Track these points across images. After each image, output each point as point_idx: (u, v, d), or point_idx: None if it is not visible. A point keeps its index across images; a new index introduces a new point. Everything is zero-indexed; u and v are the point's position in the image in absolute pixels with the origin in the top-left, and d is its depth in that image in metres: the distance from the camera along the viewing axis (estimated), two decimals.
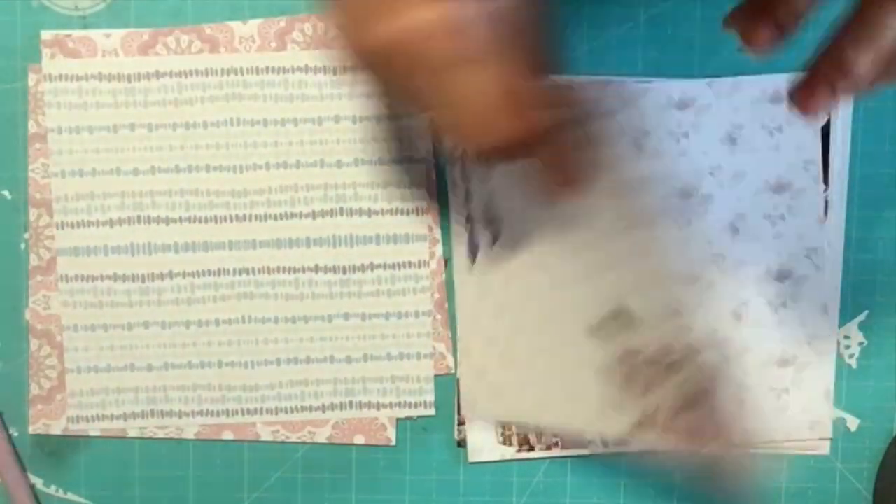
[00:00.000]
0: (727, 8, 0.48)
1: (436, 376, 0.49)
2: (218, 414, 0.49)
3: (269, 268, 0.48)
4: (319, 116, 0.48)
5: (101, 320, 0.48)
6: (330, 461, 0.49)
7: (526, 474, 0.50)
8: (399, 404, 0.49)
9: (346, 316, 0.48)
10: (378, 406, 0.49)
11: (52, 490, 0.50)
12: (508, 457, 0.49)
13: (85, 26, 0.47)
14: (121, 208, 0.48)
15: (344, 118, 0.48)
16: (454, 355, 0.49)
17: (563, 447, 0.49)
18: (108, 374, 0.48)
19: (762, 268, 0.49)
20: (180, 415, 0.49)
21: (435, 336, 0.49)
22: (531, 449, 0.49)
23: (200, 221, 0.48)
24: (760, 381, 0.49)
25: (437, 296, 0.49)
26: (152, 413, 0.49)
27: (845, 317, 0.50)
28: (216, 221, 0.48)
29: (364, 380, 0.49)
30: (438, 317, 0.49)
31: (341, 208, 0.48)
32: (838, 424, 0.50)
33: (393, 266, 0.48)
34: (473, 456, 0.49)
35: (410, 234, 0.48)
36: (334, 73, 0.47)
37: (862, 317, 0.50)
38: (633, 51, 0.48)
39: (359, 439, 0.49)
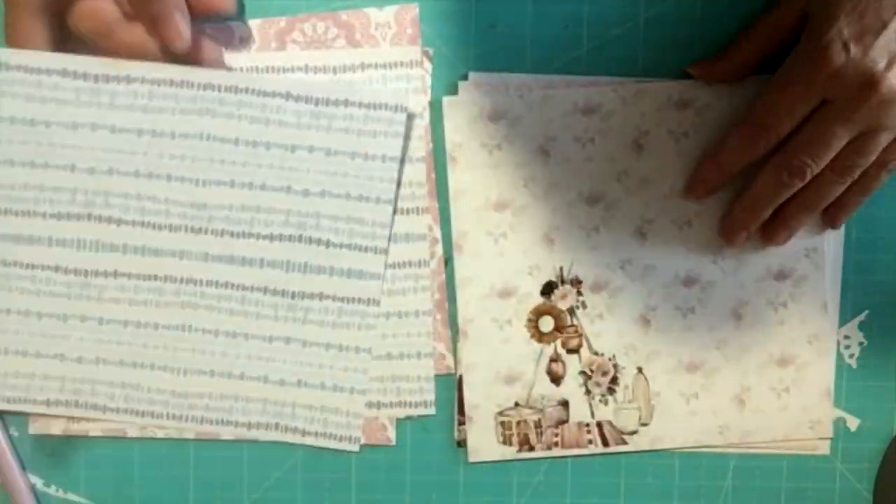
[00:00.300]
0: (727, 8, 0.48)
1: (436, 376, 0.49)
2: (143, 414, 0.48)
3: (217, 282, 0.48)
4: (293, 144, 0.47)
5: (37, 308, 0.48)
6: (330, 461, 0.49)
7: (526, 474, 0.50)
8: (325, 435, 0.49)
9: (287, 340, 0.48)
10: (304, 433, 0.49)
11: (52, 490, 0.50)
12: (509, 457, 0.49)
13: None
14: (70, 203, 0.47)
15: (318, 149, 0.47)
16: (454, 355, 0.49)
17: (564, 447, 0.49)
18: (36, 360, 0.48)
19: (762, 267, 0.49)
20: (104, 409, 0.48)
21: (435, 336, 0.49)
22: (531, 449, 0.49)
23: (153, 227, 0.47)
24: (760, 380, 0.49)
25: (437, 296, 0.49)
26: (76, 404, 0.48)
27: (845, 317, 0.50)
28: (170, 230, 0.47)
29: (294, 405, 0.48)
30: (438, 316, 0.49)
31: (300, 235, 0.47)
32: (838, 424, 0.50)
33: (342, 300, 0.48)
34: (473, 456, 0.49)
35: (364, 270, 0.48)
36: (315, 103, 0.47)
37: (862, 317, 0.50)
38: (633, 51, 0.48)
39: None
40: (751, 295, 0.49)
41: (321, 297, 0.48)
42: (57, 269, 0.48)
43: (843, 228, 0.49)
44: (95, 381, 0.48)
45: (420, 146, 0.48)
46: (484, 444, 0.49)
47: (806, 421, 0.50)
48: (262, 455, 0.49)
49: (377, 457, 0.50)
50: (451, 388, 0.49)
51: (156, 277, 0.48)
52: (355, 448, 0.49)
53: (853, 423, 0.50)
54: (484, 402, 0.49)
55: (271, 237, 0.47)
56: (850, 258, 0.49)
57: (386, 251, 0.48)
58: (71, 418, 0.49)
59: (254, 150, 0.47)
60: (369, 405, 0.49)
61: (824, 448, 0.50)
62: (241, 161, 0.47)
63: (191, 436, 0.49)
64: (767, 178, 0.46)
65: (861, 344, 0.50)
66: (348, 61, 0.48)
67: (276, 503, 0.50)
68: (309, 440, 0.49)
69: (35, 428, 0.49)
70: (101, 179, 0.47)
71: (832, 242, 0.49)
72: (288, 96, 0.47)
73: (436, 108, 0.48)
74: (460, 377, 0.49)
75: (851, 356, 0.50)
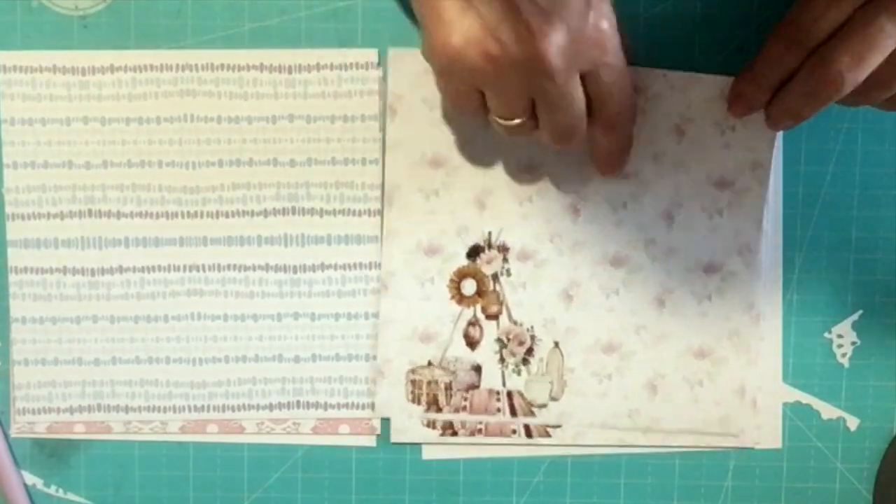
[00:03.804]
0: (727, 8, 0.48)
1: None
2: (165, 410, 0.49)
3: (219, 265, 0.48)
4: (273, 115, 0.48)
5: (50, 313, 0.48)
6: (330, 461, 0.49)
7: (526, 474, 0.50)
8: (347, 405, 0.49)
9: (296, 315, 0.49)
10: (326, 406, 0.49)
11: (52, 490, 0.50)
12: (416, 416, 0.49)
13: (85, 26, 0.47)
14: (72, 201, 0.48)
15: (298, 117, 0.48)
16: None
17: (472, 412, 0.49)
18: (55, 368, 0.49)
19: (692, 259, 0.49)
20: (127, 410, 0.49)
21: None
22: (439, 410, 0.49)
23: (151, 217, 0.48)
24: (676, 370, 0.49)
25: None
26: (99, 407, 0.49)
27: (837, 316, 0.50)
28: (167, 217, 0.48)
29: (312, 380, 0.49)
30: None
31: (293, 207, 0.48)
32: (838, 424, 0.50)
33: (343, 267, 0.48)
34: (381, 411, 0.49)
35: (362, 234, 0.48)
36: (289, 71, 0.47)
37: (855, 316, 0.50)
38: (633, 51, 0.48)
39: (343, 429, 0.49)
40: (676, 284, 0.49)
41: (322, 267, 0.48)
42: (65, 270, 0.48)
43: (780, 232, 0.49)
44: (115, 381, 0.49)
45: (374, 148, 0.48)
46: (392, 400, 0.49)
47: (716, 416, 0.49)
48: (262, 455, 0.49)
49: (377, 457, 0.50)
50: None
51: (159, 268, 0.48)
52: (379, 415, 0.49)
53: (853, 423, 0.50)
54: (397, 357, 0.49)
55: (265, 213, 0.48)
56: (849, 258, 0.49)
57: (380, 212, 0.48)
58: (18, 410, 0.49)
59: (237, 126, 0.48)
60: (317, 405, 0.49)
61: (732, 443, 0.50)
62: (225, 139, 0.48)
63: (215, 430, 0.49)
64: (800, 84, 0.40)
65: (854, 343, 0.50)
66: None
67: (276, 503, 0.50)
68: (332, 413, 0.49)
69: (36, 428, 0.49)
70: (97, 173, 0.48)
71: (769, 243, 0.49)
72: (262, 67, 0.47)
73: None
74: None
75: (844, 355, 0.50)
